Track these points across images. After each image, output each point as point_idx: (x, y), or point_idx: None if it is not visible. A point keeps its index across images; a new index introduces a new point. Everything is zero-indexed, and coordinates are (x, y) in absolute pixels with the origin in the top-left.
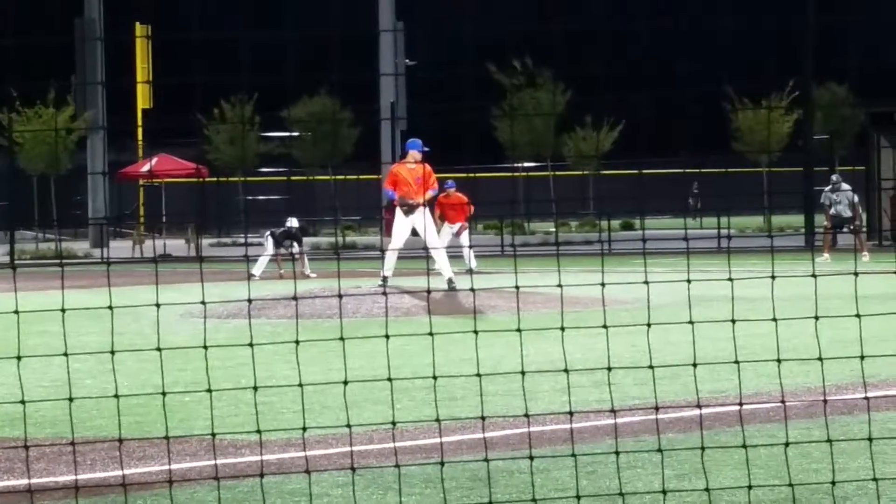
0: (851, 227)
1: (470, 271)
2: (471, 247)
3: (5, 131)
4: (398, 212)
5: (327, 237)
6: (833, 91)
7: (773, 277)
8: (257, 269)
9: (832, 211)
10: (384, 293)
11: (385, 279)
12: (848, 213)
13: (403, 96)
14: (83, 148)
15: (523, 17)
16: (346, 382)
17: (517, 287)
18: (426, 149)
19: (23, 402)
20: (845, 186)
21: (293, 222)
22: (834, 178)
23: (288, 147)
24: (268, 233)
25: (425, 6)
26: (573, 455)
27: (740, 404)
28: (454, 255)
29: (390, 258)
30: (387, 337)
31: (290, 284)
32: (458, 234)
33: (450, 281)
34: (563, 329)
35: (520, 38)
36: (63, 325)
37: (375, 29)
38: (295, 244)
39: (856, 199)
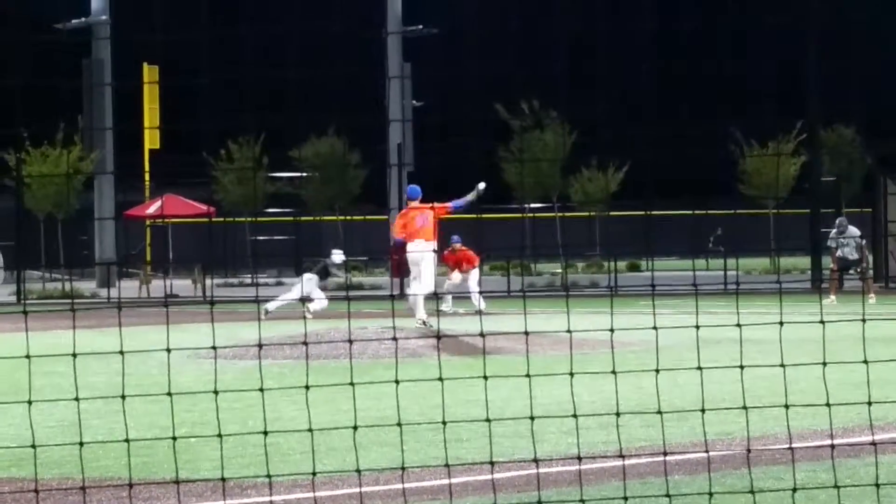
0: (858, 270)
1: (479, 313)
2: (473, 292)
3: (12, 172)
4: (428, 255)
5: (334, 278)
6: (840, 133)
7: (781, 323)
8: (273, 305)
9: (839, 253)
10: (395, 337)
11: (425, 322)
12: (855, 256)
13: (410, 138)
14: (90, 188)
15: (530, 59)
16: (355, 427)
17: (526, 332)
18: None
19: (33, 445)
20: (853, 230)
21: (338, 257)
22: (840, 220)
23: (296, 188)
24: (307, 276)
25: (433, 48)
26: (581, 501)
27: (748, 450)
28: (463, 296)
29: (420, 301)
30: (396, 382)
31: (296, 325)
32: (465, 278)
33: (424, 322)
34: (571, 374)
35: (527, 79)
36: (74, 367)
37: (384, 72)
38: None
39: (863, 241)
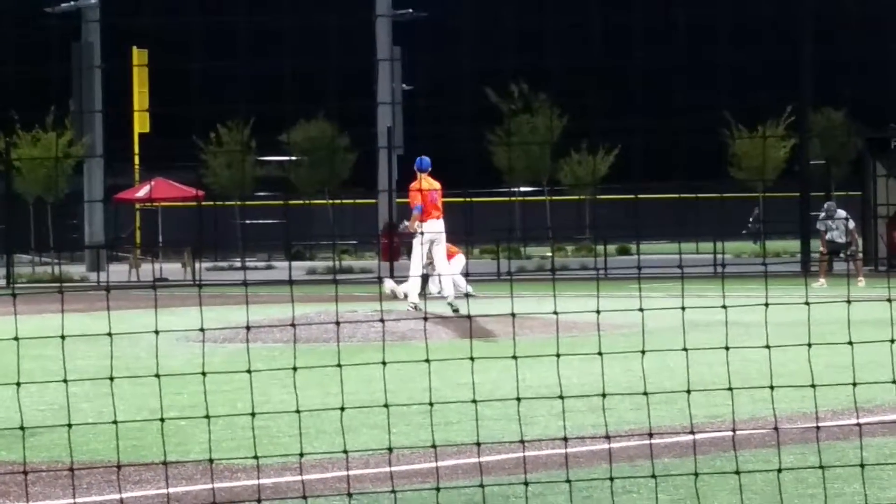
0: (847, 253)
1: (467, 295)
2: (467, 275)
3: (2, 156)
4: (417, 236)
5: (324, 261)
6: (829, 117)
7: (766, 305)
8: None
9: (828, 237)
10: (381, 319)
11: (416, 306)
12: (843, 239)
13: (400, 121)
14: (80, 172)
15: (520, 44)
16: (342, 409)
17: (513, 314)
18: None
19: (22, 427)
20: (841, 213)
21: None
22: (828, 205)
23: (285, 171)
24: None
25: (424, 31)
26: (568, 481)
27: (734, 430)
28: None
29: (414, 284)
30: (384, 364)
31: (286, 308)
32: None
33: (415, 306)
34: (558, 356)
35: (517, 64)
36: (63, 350)
37: (373, 56)
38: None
39: (851, 224)
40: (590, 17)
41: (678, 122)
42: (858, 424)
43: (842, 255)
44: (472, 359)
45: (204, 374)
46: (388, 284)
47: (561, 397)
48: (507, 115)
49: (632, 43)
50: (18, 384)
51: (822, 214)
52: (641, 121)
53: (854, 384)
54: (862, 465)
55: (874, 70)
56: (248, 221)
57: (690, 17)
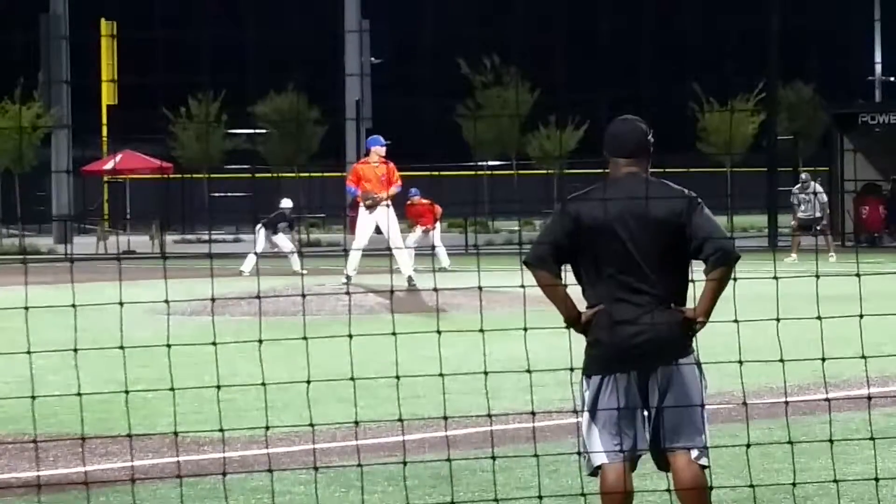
0: (818, 228)
1: (442, 270)
2: (437, 246)
3: None
4: (362, 210)
5: (283, 233)
6: (798, 91)
7: (734, 279)
8: (246, 265)
9: (801, 209)
10: (347, 292)
11: (349, 278)
12: (818, 214)
13: (369, 94)
14: (48, 144)
15: (490, 16)
16: (308, 381)
17: (480, 287)
18: (387, 142)
19: None
20: (817, 188)
21: (287, 203)
22: (803, 177)
23: (254, 144)
24: (259, 226)
25: (392, 3)
26: (535, 455)
27: (702, 405)
28: (425, 254)
29: (354, 257)
30: (350, 336)
31: (254, 281)
32: (425, 234)
33: (409, 279)
34: (525, 329)
35: (487, 36)
36: (26, 322)
37: (341, 28)
38: (288, 229)
39: (824, 199)
40: None
41: (646, 94)
42: (827, 399)
43: (814, 229)
44: (438, 332)
45: (169, 346)
46: (245, 266)
47: (528, 371)
48: (478, 88)
49: (599, 15)
50: None
51: (797, 187)
52: (610, 93)
53: (823, 359)
54: (831, 441)
55: (842, 45)
56: (216, 194)
57: None
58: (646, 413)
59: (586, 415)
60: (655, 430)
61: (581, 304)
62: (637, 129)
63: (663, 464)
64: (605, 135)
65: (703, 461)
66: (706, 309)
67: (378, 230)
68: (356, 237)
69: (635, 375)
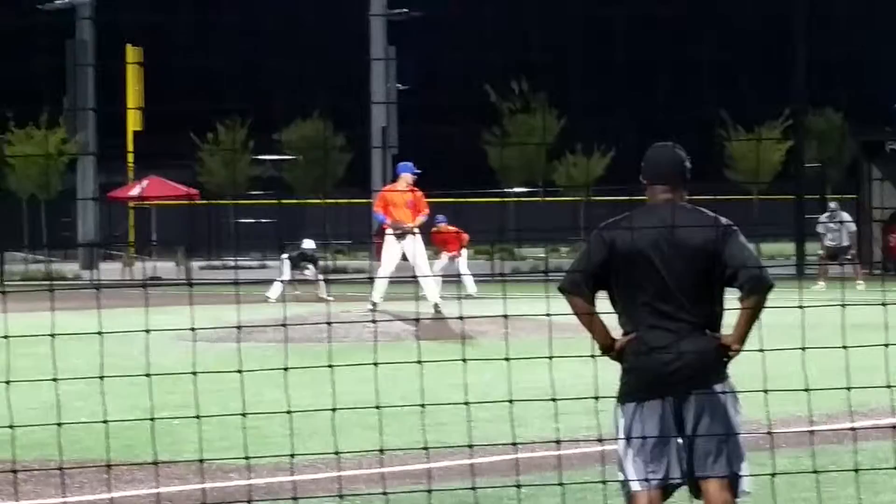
0: (847, 257)
1: (468, 297)
2: (463, 273)
3: None
4: (388, 236)
5: (306, 270)
6: (828, 118)
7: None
8: (273, 292)
9: (829, 238)
10: (374, 319)
11: (375, 305)
12: (846, 243)
13: (395, 121)
14: (73, 170)
15: (516, 44)
16: (334, 409)
17: (505, 315)
18: (418, 171)
19: (11, 426)
20: (845, 216)
21: (309, 244)
22: (832, 205)
23: (280, 170)
24: (284, 256)
25: (418, 30)
26: (560, 483)
27: (738, 432)
28: (452, 281)
29: (380, 284)
30: (375, 364)
31: (280, 308)
32: (451, 261)
33: (436, 306)
34: (551, 357)
35: (513, 64)
36: (52, 348)
37: (367, 55)
38: (311, 266)
39: (852, 227)
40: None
41: (673, 121)
42: (853, 428)
43: (841, 257)
44: (464, 360)
45: (195, 373)
46: (272, 294)
47: (554, 399)
48: (506, 115)
49: (632, 40)
50: (8, 382)
51: (825, 216)
52: (634, 120)
53: (848, 388)
54: (856, 470)
55: (870, 72)
56: (241, 220)
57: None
58: (680, 440)
59: (622, 442)
60: (690, 457)
61: (617, 332)
62: (673, 155)
63: (697, 490)
64: (642, 161)
65: (745, 486)
66: (741, 336)
67: (405, 257)
68: (382, 264)
69: (670, 402)
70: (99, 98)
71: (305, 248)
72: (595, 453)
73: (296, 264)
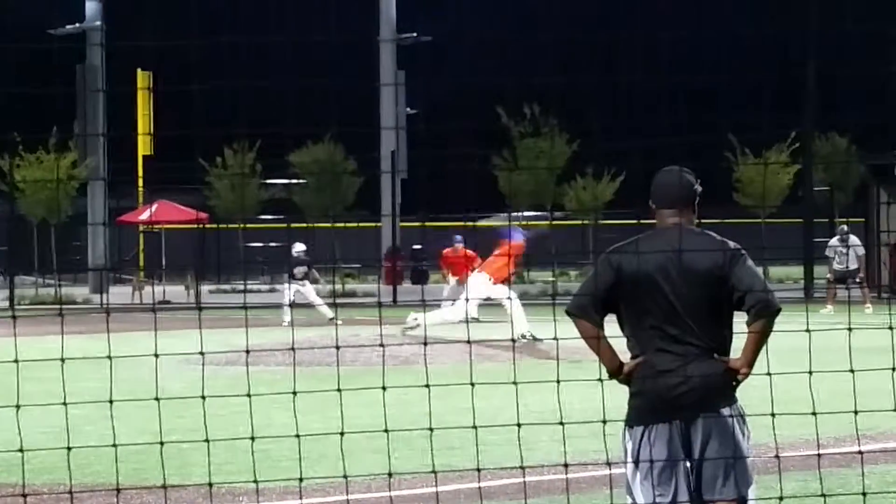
0: (856, 280)
1: (475, 321)
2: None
3: (6, 177)
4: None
5: (327, 284)
6: (834, 142)
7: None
8: (287, 315)
9: (837, 262)
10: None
11: (525, 335)
12: (854, 266)
13: (404, 145)
14: (83, 193)
15: (525, 68)
16: (342, 433)
17: (513, 339)
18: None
19: (21, 450)
20: (854, 240)
21: (299, 247)
22: (844, 228)
23: (290, 194)
24: (285, 276)
25: (427, 54)
26: None
27: (734, 457)
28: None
29: (519, 315)
30: (384, 388)
31: (289, 332)
32: (459, 284)
33: (524, 335)
34: (558, 381)
35: (522, 87)
36: (62, 371)
37: (377, 81)
38: (306, 276)
39: (861, 251)
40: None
41: (683, 146)
42: (860, 452)
43: (849, 281)
44: (472, 384)
45: (204, 397)
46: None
47: (562, 423)
48: (516, 138)
49: (635, 66)
50: (18, 406)
51: (835, 239)
52: (644, 144)
53: (856, 411)
54: (864, 493)
55: (877, 95)
56: (250, 244)
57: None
58: (688, 464)
59: (630, 466)
60: (698, 481)
61: (625, 355)
62: (681, 179)
63: None
64: (651, 185)
65: None
66: (749, 360)
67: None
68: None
69: (678, 426)
70: (109, 123)
71: (296, 253)
72: (603, 477)
73: (292, 274)
